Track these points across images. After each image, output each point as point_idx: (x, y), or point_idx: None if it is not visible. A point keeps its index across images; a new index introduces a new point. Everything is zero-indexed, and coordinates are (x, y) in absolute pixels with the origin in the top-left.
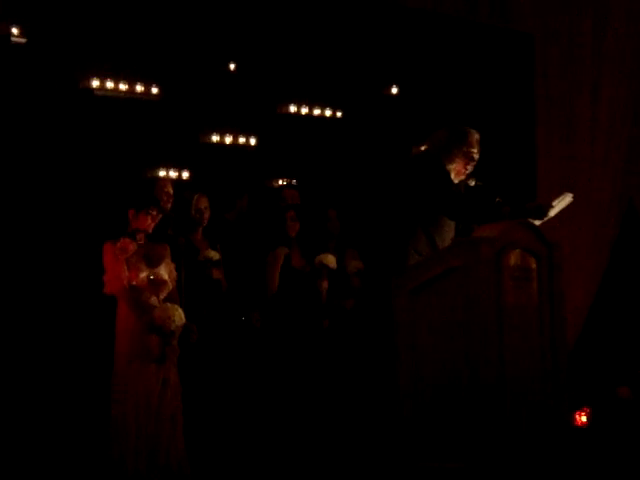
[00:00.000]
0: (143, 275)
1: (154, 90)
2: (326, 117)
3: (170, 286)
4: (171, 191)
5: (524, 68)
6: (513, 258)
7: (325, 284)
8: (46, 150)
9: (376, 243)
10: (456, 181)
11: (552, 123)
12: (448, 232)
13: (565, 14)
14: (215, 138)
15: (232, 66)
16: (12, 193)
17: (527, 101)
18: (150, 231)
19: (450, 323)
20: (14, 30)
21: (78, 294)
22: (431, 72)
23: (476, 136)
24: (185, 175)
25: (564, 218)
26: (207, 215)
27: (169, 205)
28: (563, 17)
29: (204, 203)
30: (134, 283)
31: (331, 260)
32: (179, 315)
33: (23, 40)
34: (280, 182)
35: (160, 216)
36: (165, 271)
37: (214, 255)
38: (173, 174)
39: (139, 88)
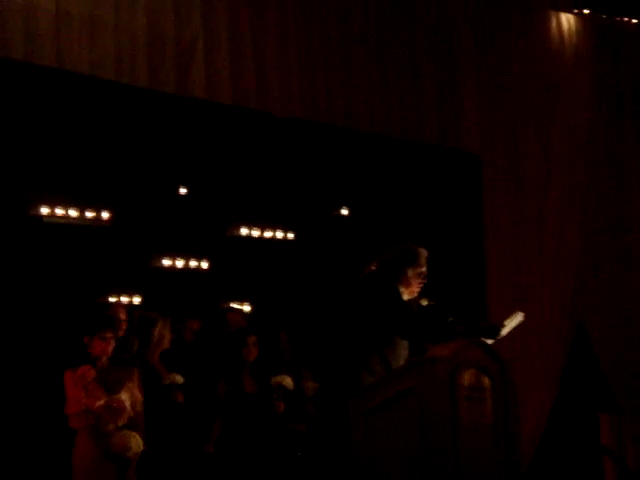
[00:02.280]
0: (100, 402)
1: (105, 215)
2: (277, 239)
3: (130, 412)
4: (123, 317)
5: (472, 187)
6: (467, 377)
7: (282, 406)
8: None
9: (329, 365)
10: (408, 300)
11: (501, 241)
12: (401, 351)
13: (510, 134)
14: (167, 262)
15: (183, 190)
16: None
17: (475, 219)
18: (108, 355)
19: (406, 442)
20: None
21: (38, 425)
22: (381, 193)
23: (425, 254)
24: (137, 300)
25: (516, 337)
26: (169, 338)
27: (121, 332)
28: (508, 137)
29: (169, 326)
30: (92, 409)
31: (288, 382)
32: (136, 442)
33: None
34: (231, 304)
35: (113, 342)
36: (126, 396)
37: (179, 379)
38: (125, 299)
39: (89, 214)
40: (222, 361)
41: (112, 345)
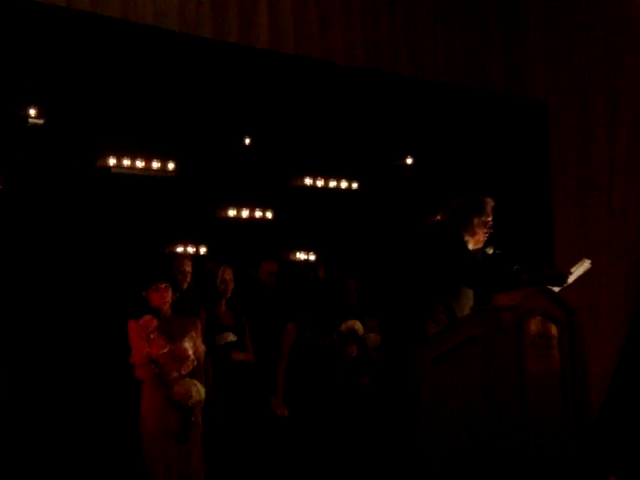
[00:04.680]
0: (164, 350)
1: (170, 166)
2: (342, 189)
3: (194, 361)
4: (188, 269)
5: (538, 135)
6: (534, 325)
7: (354, 350)
8: (66, 230)
9: (395, 314)
10: (473, 249)
11: (567, 189)
12: (466, 301)
13: (577, 83)
14: (232, 212)
15: (247, 140)
16: (34, 273)
17: (542, 168)
18: (166, 307)
19: (473, 391)
20: (31, 111)
21: (105, 374)
22: (445, 142)
23: (491, 204)
24: (203, 250)
25: (584, 284)
26: (231, 287)
27: (186, 283)
28: (575, 86)
29: (229, 275)
30: (155, 358)
31: (359, 326)
32: (197, 391)
33: (41, 121)
34: (298, 255)
35: (171, 292)
36: (189, 345)
37: (232, 338)
38: (191, 249)
39: (155, 165)
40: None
41: (169, 296)
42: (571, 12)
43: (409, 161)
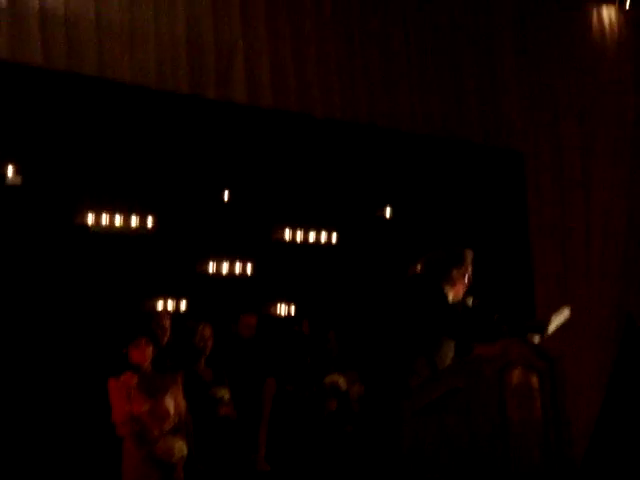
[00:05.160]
0: (145, 407)
1: (149, 222)
2: (321, 242)
3: (175, 418)
4: (167, 325)
5: (515, 185)
6: (515, 376)
7: (334, 404)
8: (46, 289)
9: (376, 366)
10: (453, 301)
11: (546, 237)
12: (448, 352)
13: (553, 131)
14: (212, 266)
15: (226, 194)
16: (14, 333)
17: (520, 217)
18: (146, 363)
19: (455, 443)
20: (9, 170)
21: (87, 432)
22: (424, 192)
23: (471, 255)
24: (183, 305)
25: (564, 334)
26: (210, 344)
27: (165, 338)
28: (551, 134)
29: (208, 332)
30: (136, 416)
31: (342, 382)
32: (180, 447)
33: (18, 180)
34: (279, 307)
35: (151, 348)
36: (170, 402)
37: (224, 394)
38: (171, 304)
39: (134, 220)
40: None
41: (149, 352)
42: (544, 61)
43: (388, 212)
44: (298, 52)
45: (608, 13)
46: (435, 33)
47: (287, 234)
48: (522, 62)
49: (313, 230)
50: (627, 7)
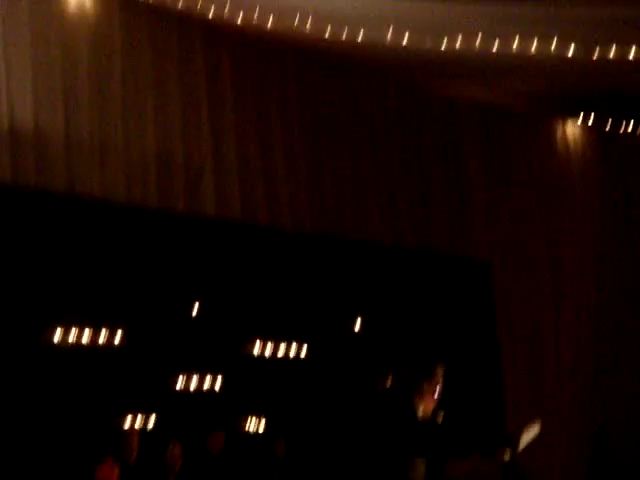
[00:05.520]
0: None
1: (118, 336)
2: (290, 356)
3: None
4: (135, 443)
5: (483, 295)
6: None
7: None
8: (11, 409)
9: None
10: (423, 415)
11: (515, 347)
12: (419, 470)
13: (520, 240)
14: (181, 381)
15: (195, 308)
16: None
17: (489, 328)
18: None
19: None
20: None
21: None
22: (393, 303)
23: (441, 369)
24: (152, 421)
25: (536, 448)
26: (180, 462)
27: (133, 457)
28: (518, 245)
29: (178, 451)
30: None
31: None
32: None
33: None
34: (249, 421)
35: (118, 467)
36: None
37: None
38: (139, 420)
39: (103, 336)
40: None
41: (116, 472)
42: (511, 174)
43: (358, 324)
44: (267, 167)
45: (572, 128)
46: (403, 148)
47: (257, 347)
48: (489, 176)
49: (283, 342)
50: (589, 123)
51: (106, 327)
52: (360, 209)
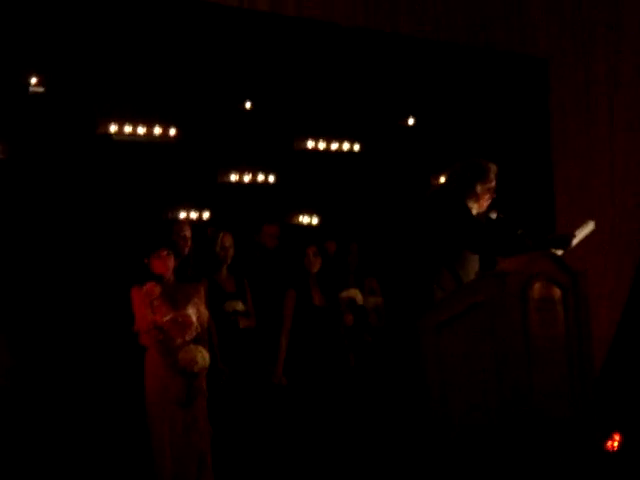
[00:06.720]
0: (168, 317)
1: (172, 132)
2: (344, 151)
3: (197, 327)
4: (188, 234)
5: (539, 93)
6: (538, 290)
7: (350, 319)
8: (67, 198)
9: (399, 279)
10: (477, 215)
11: (570, 150)
12: (472, 266)
13: (579, 39)
14: (234, 177)
15: (248, 104)
16: (36, 242)
17: (543, 128)
18: (169, 274)
19: (478, 356)
20: (32, 79)
21: (109, 341)
22: (447, 101)
23: (494, 169)
24: (205, 215)
25: (587, 246)
26: (231, 253)
27: (187, 248)
28: (577, 42)
29: (229, 241)
30: (159, 325)
31: (359, 297)
32: (202, 357)
33: (41, 89)
34: (301, 218)
35: (172, 258)
36: (193, 311)
37: (240, 307)
38: (194, 215)
39: (157, 131)
40: (290, 273)
41: (171, 262)
42: None
43: (411, 121)
44: None
45: None
46: None
47: (310, 144)
48: None
49: (336, 141)
50: None
51: (160, 124)
52: (415, 4)
